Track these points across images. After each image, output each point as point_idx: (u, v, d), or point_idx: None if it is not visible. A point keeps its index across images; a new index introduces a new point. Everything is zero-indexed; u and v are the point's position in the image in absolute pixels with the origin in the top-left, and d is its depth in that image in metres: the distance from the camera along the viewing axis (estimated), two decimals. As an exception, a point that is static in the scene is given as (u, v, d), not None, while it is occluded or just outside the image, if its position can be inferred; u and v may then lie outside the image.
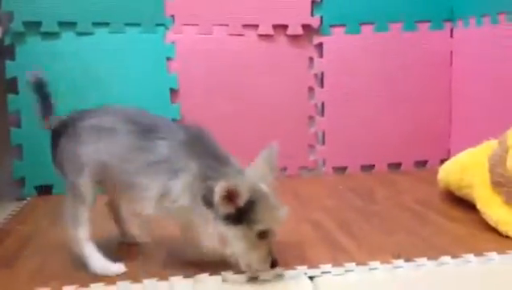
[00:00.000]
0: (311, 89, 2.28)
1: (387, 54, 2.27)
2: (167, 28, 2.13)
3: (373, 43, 2.26)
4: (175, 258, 1.34)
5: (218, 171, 1.17)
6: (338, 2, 2.22)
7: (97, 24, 2.06)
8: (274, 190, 1.19)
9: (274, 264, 1.16)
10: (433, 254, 1.29)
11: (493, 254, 1.27)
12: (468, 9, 2.15)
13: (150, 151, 1.22)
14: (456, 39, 2.26)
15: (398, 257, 1.27)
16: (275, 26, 2.20)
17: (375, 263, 1.25)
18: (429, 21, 2.27)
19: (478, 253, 1.28)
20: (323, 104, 2.28)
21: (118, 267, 1.27)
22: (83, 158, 1.24)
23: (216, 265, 1.22)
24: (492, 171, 1.46)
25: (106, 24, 2.07)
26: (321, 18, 2.22)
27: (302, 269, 1.24)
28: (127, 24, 2.09)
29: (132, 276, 1.24)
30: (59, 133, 1.29)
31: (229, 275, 1.21)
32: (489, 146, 1.56)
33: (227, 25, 2.18)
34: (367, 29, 2.25)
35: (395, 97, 2.30)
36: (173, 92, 2.15)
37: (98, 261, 1.27)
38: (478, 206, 1.49)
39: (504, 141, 1.49)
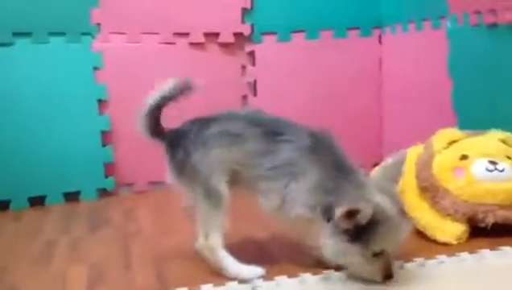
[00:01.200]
0: (244, 98, 2.26)
1: (319, 61, 2.28)
2: (93, 37, 2.06)
3: (304, 51, 2.27)
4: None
5: (339, 184, 1.17)
6: (269, 10, 2.21)
7: (17, 34, 1.96)
8: (396, 205, 1.17)
9: (387, 277, 1.17)
10: (364, 261, 1.28)
11: (422, 260, 1.28)
12: (395, 16, 2.20)
13: (274, 154, 1.23)
14: (385, 46, 2.30)
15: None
16: (206, 34, 2.18)
17: (306, 275, 1.23)
18: (358, 28, 2.30)
19: (408, 259, 1.29)
20: (256, 112, 2.26)
21: (257, 270, 1.25)
22: (214, 160, 1.24)
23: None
24: (418, 176, 1.48)
25: (28, 34, 1.97)
26: (252, 26, 2.21)
27: (232, 285, 1.21)
28: (51, 34, 2.00)
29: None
30: (179, 143, 1.27)
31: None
32: (416, 151, 1.58)
33: (157, 33, 2.14)
34: (298, 37, 2.26)
35: (328, 103, 2.31)
36: (101, 103, 2.08)
37: (235, 266, 1.25)
38: (407, 211, 1.50)
39: (429, 146, 1.52)
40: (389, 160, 1.27)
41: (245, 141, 1.25)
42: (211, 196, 1.24)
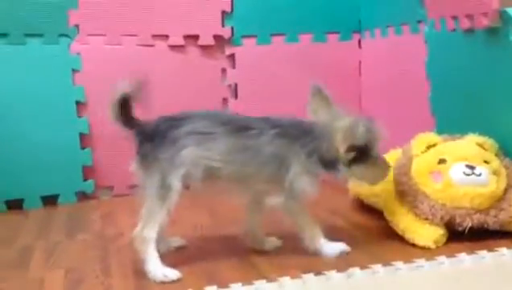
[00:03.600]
0: (225, 101, 2.26)
1: (298, 64, 2.28)
2: (71, 39, 2.04)
3: (284, 54, 2.27)
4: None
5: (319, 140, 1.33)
6: (249, 13, 2.21)
7: (-7, 35, 1.94)
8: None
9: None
10: (342, 265, 1.29)
11: (400, 264, 1.29)
12: (375, 20, 2.22)
13: (254, 148, 1.31)
14: (364, 50, 2.32)
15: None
16: (186, 37, 2.17)
17: (285, 279, 1.23)
18: (338, 32, 2.31)
19: (385, 263, 1.29)
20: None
21: (174, 274, 1.28)
22: (181, 160, 1.29)
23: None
24: (396, 180, 1.49)
25: (4, 35, 1.95)
26: (232, 28, 2.21)
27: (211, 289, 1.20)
28: (28, 35, 1.98)
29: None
30: (148, 137, 1.32)
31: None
32: (395, 154, 1.59)
33: (136, 35, 2.12)
34: (278, 40, 2.26)
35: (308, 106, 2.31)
36: (80, 105, 2.06)
37: (156, 265, 1.28)
38: (385, 214, 1.51)
39: (408, 150, 1.53)
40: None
41: (217, 138, 1.31)
42: (162, 189, 1.29)
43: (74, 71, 2.05)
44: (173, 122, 1.33)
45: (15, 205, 1.99)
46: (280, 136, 1.33)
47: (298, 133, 1.35)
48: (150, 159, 1.31)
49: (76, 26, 2.04)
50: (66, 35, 2.03)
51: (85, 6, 2.04)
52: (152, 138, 1.32)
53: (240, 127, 1.33)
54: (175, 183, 1.29)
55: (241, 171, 1.32)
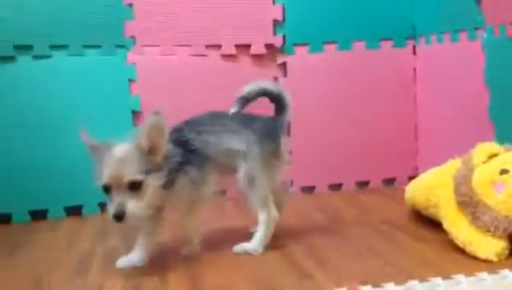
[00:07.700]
0: (276, 109, 2.25)
1: (352, 72, 2.27)
2: (127, 49, 2.09)
3: (336, 62, 2.25)
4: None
5: None
6: (301, 21, 2.21)
7: (54, 47, 2.00)
8: None
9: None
10: (401, 278, 1.26)
11: (461, 277, 1.26)
12: (429, 26, 2.17)
13: None
14: (419, 57, 2.28)
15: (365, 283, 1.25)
16: (238, 46, 2.18)
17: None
18: (392, 39, 2.28)
19: (446, 276, 1.26)
20: (289, 123, 2.26)
21: None
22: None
23: None
24: (457, 191, 1.45)
25: (64, 47, 2.02)
26: (284, 37, 2.21)
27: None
28: (86, 46, 2.04)
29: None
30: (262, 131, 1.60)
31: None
32: (454, 165, 1.55)
33: (189, 45, 2.15)
34: (330, 48, 2.25)
35: (361, 114, 2.29)
36: (135, 114, 2.11)
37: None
38: (445, 226, 1.47)
39: (468, 160, 1.49)
40: None
41: None
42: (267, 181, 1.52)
43: (130, 81, 2.10)
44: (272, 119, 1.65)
45: (75, 211, 2.05)
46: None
47: None
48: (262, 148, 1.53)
49: (133, 37, 2.09)
50: (123, 46, 2.09)
51: (141, 17, 2.09)
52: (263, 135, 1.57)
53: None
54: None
55: None
